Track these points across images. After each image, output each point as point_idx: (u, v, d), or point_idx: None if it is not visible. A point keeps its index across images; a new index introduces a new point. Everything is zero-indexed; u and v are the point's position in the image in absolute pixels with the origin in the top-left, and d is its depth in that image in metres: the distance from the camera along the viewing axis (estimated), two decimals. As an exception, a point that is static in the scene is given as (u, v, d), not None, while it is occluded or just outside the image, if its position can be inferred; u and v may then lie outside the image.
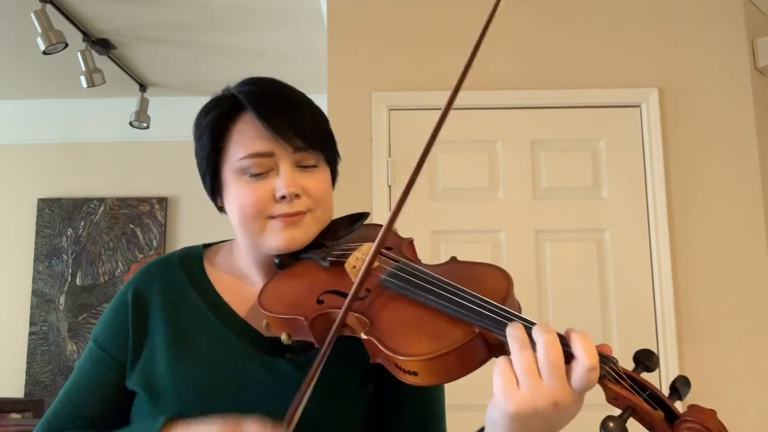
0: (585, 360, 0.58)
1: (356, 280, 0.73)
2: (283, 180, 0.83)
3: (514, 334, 0.61)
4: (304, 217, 0.86)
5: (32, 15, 2.55)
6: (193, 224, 3.88)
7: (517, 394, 0.59)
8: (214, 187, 0.90)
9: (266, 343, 0.86)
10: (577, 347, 0.59)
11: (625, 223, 2.42)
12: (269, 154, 0.84)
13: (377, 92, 2.47)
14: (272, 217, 0.84)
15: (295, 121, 0.84)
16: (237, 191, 0.85)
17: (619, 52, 2.52)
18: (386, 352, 0.67)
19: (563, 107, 2.49)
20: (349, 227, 0.94)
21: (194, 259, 0.95)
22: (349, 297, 0.73)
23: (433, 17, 2.54)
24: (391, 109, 2.46)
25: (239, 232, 0.88)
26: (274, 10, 2.87)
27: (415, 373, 0.65)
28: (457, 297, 0.68)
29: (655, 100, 2.45)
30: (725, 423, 0.55)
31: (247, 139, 0.84)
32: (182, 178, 3.88)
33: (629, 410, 0.58)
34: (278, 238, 0.85)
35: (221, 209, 0.92)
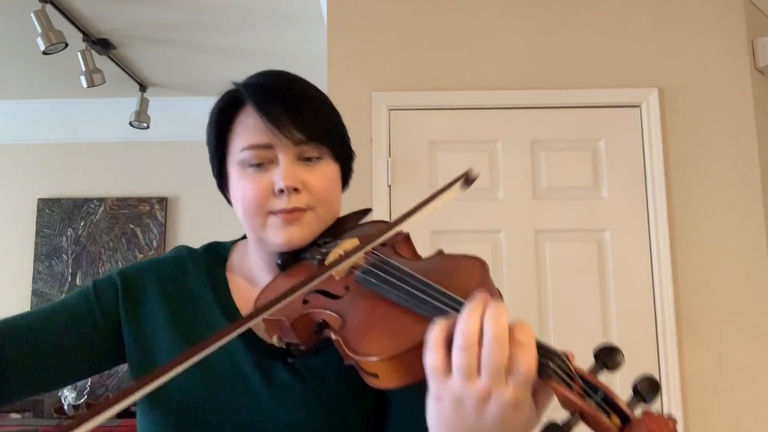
0: (489, 329, 0.52)
1: (319, 277, 0.67)
2: (282, 172, 0.80)
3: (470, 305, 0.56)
4: (304, 214, 0.82)
5: (32, 15, 2.55)
6: (193, 224, 3.88)
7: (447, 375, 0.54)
8: (222, 180, 0.89)
9: (269, 349, 0.84)
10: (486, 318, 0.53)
11: (625, 223, 2.42)
12: (268, 146, 0.82)
13: (377, 92, 2.46)
14: (273, 213, 0.82)
15: (296, 114, 0.81)
16: (239, 183, 0.84)
17: (619, 52, 2.52)
18: (349, 353, 0.63)
19: (563, 107, 2.49)
20: (353, 225, 0.90)
21: (219, 259, 0.94)
22: (296, 291, 0.66)
23: (433, 17, 2.54)
24: (391, 109, 2.46)
25: (244, 226, 0.86)
26: (274, 10, 2.87)
27: (375, 375, 0.61)
28: (420, 292, 0.64)
29: (655, 100, 2.45)
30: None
31: (247, 131, 0.83)
32: (182, 178, 3.88)
33: (576, 416, 0.52)
34: (277, 235, 0.82)
35: (231, 202, 0.91)
